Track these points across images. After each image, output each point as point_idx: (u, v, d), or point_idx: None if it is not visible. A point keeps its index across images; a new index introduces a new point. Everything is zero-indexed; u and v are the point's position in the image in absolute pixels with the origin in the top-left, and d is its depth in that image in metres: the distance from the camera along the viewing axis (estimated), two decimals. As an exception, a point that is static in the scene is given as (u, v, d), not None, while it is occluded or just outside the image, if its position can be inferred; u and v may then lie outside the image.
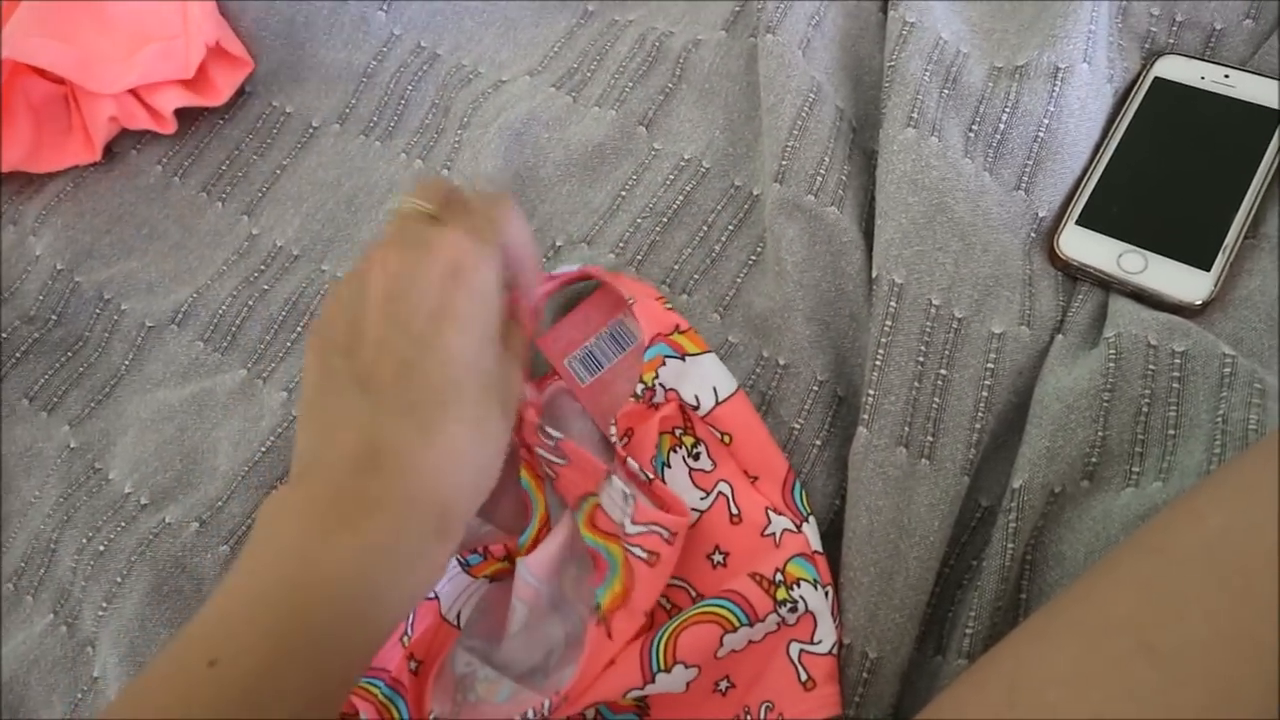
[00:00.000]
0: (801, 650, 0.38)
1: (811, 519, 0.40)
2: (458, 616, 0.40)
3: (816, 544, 0.40)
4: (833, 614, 0.39)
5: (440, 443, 0.35)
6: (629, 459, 0.41)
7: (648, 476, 0.41)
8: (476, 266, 0.37)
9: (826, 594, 0.39)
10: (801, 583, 0.38)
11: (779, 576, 0.38)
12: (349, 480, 0.34)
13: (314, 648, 0.31)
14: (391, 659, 0.39)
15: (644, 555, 0.39)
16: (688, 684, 0.39)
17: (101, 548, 0.46)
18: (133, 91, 0.57)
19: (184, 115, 0.59)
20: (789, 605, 0.38)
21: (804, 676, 0.38)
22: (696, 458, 0.42)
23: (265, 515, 0.35)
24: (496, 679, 0.39)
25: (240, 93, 0.60)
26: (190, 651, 0.31)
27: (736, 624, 0.38)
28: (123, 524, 0.47)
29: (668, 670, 0.37)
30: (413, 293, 0.36)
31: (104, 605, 0.45)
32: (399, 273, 0.37)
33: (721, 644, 0.38)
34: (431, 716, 0.38)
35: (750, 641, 0.39)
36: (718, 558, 0.41)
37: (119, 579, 0.45)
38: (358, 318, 0.37)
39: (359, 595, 0.32)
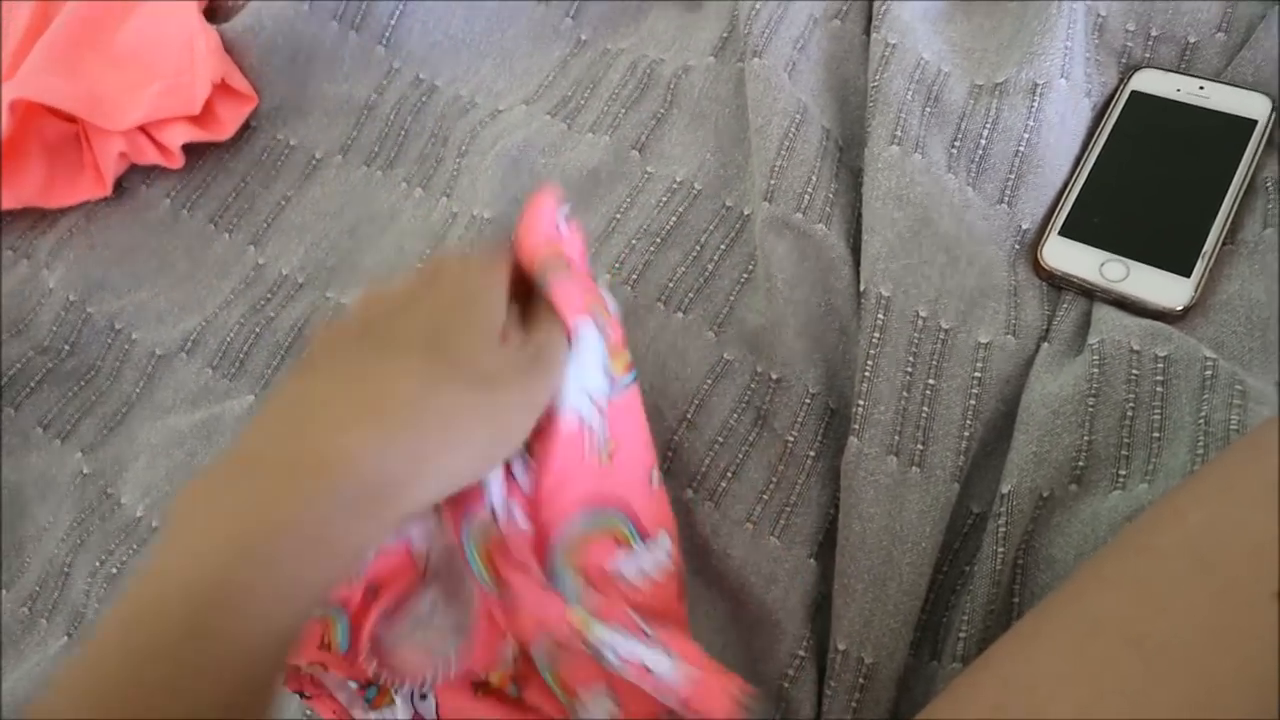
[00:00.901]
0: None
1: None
2: (425, 559, 0.38)
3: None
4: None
5: (353, 393, 0.30)
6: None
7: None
8: (450, 269, 0.36)
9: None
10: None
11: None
12: (249, 445, 0.30)
13: (177, 657, 0.26)
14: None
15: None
16: None
17: (114, 570, 0.48)
18: (141, 128, 0.59)
19: (191, 150, 0.61)
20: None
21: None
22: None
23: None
24: (451, 632, 0.38)
25: (245, 127, 0.62)
26: (71, 663, 0.27)
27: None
28: (134, 547, 0.48)
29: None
30: (380, 298, 0.36)
31: (117, 627, 0.46)
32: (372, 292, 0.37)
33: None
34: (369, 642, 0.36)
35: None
36: None
37: (132, 601, 0.46)
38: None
39: (241, 581, 0.27)
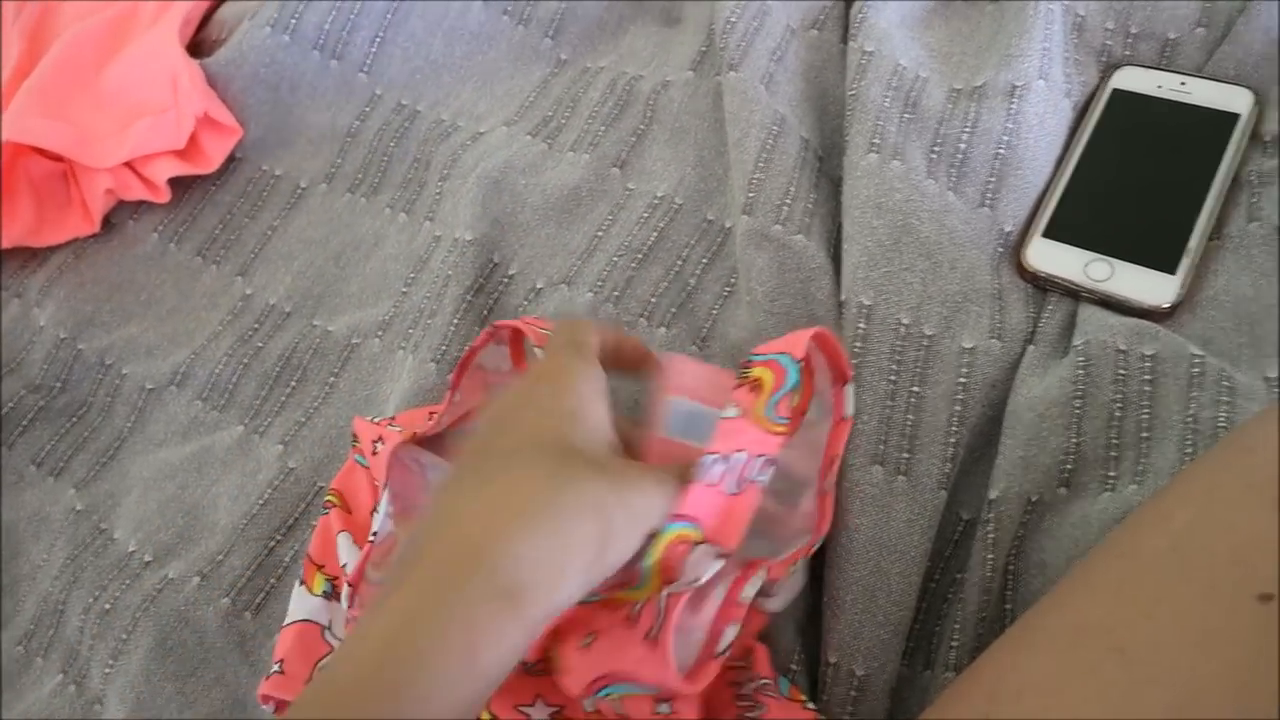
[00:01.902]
0: None
1: None
2: None
3: None
4: None
5: (495, 492, 0.30)
6: None
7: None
8: (565, 369, 0.35)
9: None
10: None
11: None
12: (401, 550, 0.31)
13: None
14: None
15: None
16: None
17: (107, 606, 0.48)
18: (128, 164, 0.60)
19: (177, 183, 0.61)
20: None
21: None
22: None
23: None
24: None
25: (231, 159, 0.62)
26: None
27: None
28: (127, 582, 0.48)
29: None
30: (502, 406, 0.36)
31: (110, 662, 0.46)
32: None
33: None
34: None
35: None
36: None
37: (124, 636, 0.46)
38: None
39: (389, 678, 0.27)
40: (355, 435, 0.45)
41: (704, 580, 0.32)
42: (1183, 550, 0.30)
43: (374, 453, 0.42)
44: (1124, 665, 0.28)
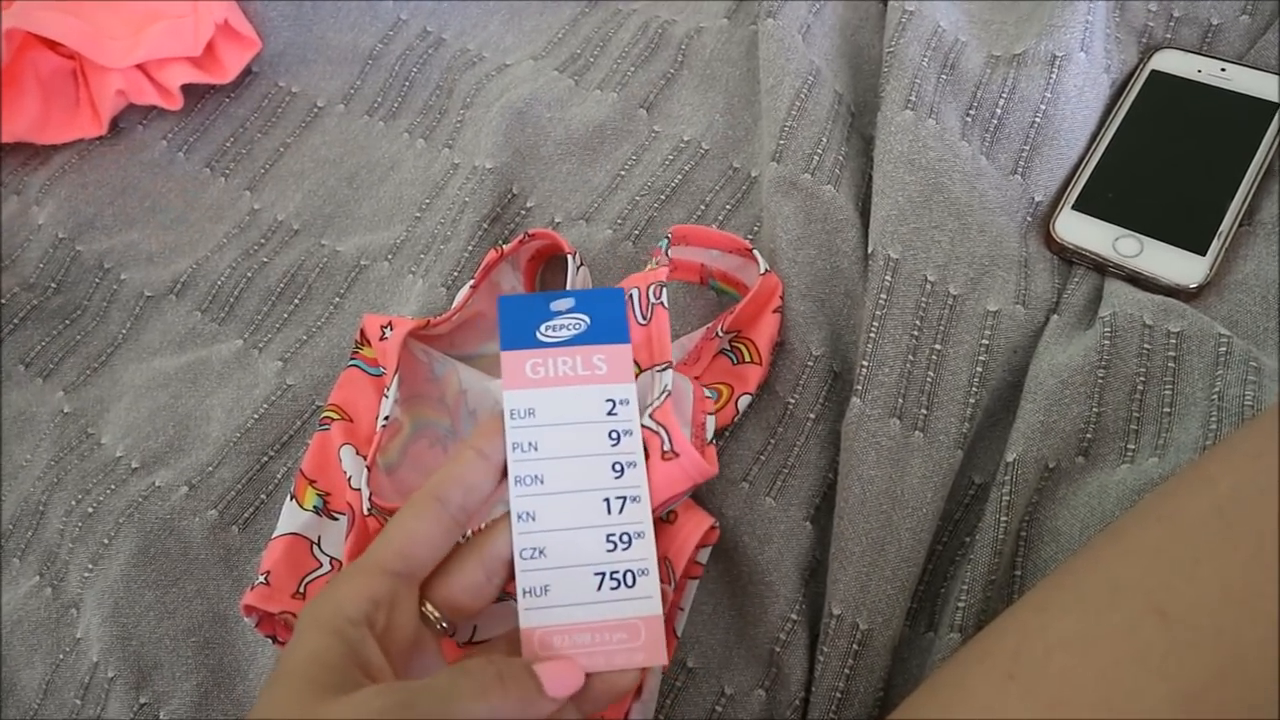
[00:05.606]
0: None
1: None
2: None
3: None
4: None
5: None
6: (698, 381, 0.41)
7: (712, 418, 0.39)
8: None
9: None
10: None
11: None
12: None
13: None
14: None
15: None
16: None
17: (90, 509, 0.46)
18: (141, 67, 0.58)
19: (191, 92, 0.60)
20: None
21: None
22: None
23: None
24: None
25: (247, 72, 0.61)
26: None
27: None
28: (112, 486, 0.47)
29: None
30: None
31: (90, 567, 0.45)
32: None
33: None
34: None
35: None
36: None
37: (106, 540, 0.45)
38: None
39: None
40: (361, 334, 0.44)
41: (670, 387, 0.36)
42: (1228, 514, 0.29)
43: (382, 338, 0.41)
44: (1164, 627, 0.27)
